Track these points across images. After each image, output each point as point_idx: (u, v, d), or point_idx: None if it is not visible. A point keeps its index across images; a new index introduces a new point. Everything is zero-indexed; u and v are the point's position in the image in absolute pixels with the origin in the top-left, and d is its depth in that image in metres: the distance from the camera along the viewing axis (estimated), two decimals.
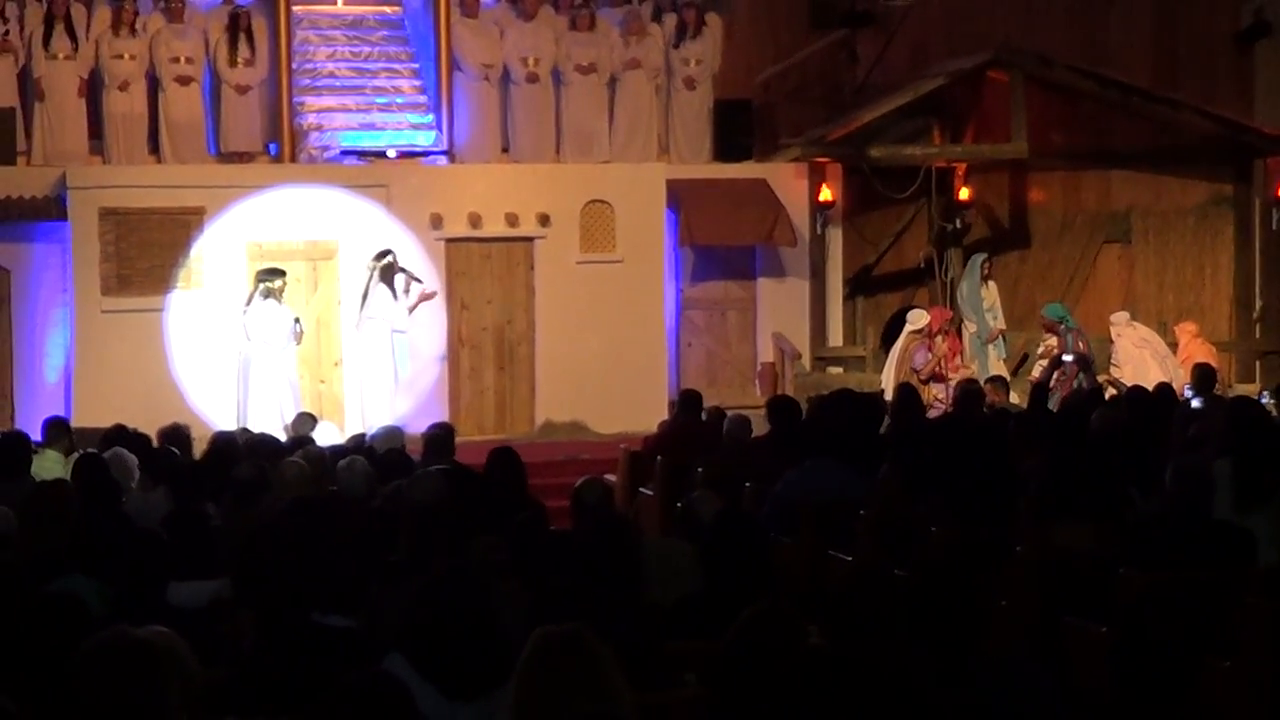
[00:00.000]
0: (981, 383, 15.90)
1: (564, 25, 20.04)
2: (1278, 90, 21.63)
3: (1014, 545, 8.24)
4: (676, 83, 20.37)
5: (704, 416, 14.05)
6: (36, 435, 12.88)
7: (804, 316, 20.16)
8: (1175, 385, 15.70)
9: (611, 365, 18.51)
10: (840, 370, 20.01)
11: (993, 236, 21.57)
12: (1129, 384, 16.25)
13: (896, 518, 9.35)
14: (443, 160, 19.26)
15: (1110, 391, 16.63)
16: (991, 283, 20.14)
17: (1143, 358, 18.46)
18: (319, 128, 19.17)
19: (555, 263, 18.74)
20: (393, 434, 12.73)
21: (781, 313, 20.05)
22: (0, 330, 17.98)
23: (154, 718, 4.71)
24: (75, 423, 14.80)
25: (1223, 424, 10.63)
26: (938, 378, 17.87)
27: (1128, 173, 21.46)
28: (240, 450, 11.56)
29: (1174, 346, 18.98)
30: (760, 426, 12.97)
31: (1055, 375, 17.63)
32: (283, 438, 13.48)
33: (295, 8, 19.47)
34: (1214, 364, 17.13)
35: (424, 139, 19.34)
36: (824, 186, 19.97)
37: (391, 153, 18.92)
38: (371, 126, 19.28)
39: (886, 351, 19.27)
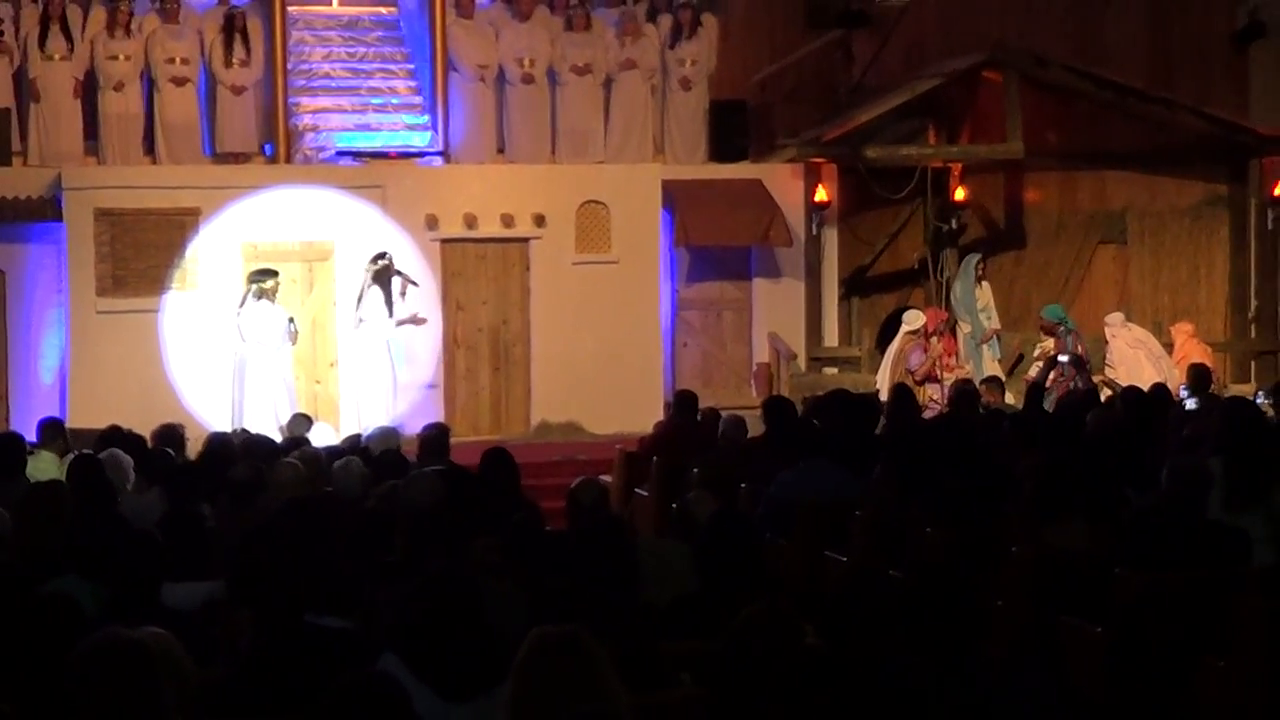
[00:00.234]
0: (977, 383, 15.92)
1: (559, 26, 20.03)
2: (1273, 90, 21.64)
3: (1009, 545, 8.24)
4: (672, 83, 20.38)
5: (699, 417, 14.05)
6: (31, 436, 12.87)
7: (799, 317, 20.16)
8: (1170, 386, 15.70)
9: (607, 366, 18.51)
10: (835, 371, 20.00)
11: (988, 237, 21.58)
12: (1123, 384, 16.26)
13: (892, 518, 9.35)
14: (438, 161, 19.25)
15: (1105, 392, 16.64)
16: (985, 283, 20.13)
17: (1137, 358, 18.46)
18: (314, 128, 19.17)
19: (550, 263, 18.74)
20: (388, 435, 12.72)
21: (777, 313, 20.05)
22: None
23: (149, 718, 4.71)
24: (70, 424, 14.77)
25: (1217, 424, 10.65)
26: (932, 378, 17.88)
27: (1123, 173, 21.47)
28: (235, 451, 11.55)
29: (1169, 347, 18.98)
30: (755, 427, 12.98)
31: (1051, 376, 17.63)
32: (278, 439, 13.46)
33: (290, 8, 19.47)
34: (1209, 364, 17.15)
35: (419, 140, 19.34)
36: (819, 187, 19.97)
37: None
38: (367, 127, 19.28)
39: (882, 352, 19.27)
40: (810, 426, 11.88)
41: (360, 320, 17.56)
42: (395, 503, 8.97)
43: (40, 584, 6.80)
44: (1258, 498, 8.45)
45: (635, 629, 5.94)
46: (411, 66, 19.81)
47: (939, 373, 17.89)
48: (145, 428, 12.76)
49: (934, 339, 18.13)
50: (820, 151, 20.13)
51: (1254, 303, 21.11)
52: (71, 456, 11.31)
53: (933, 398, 17.52)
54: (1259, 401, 15.06)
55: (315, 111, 19.30)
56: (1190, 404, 14.11)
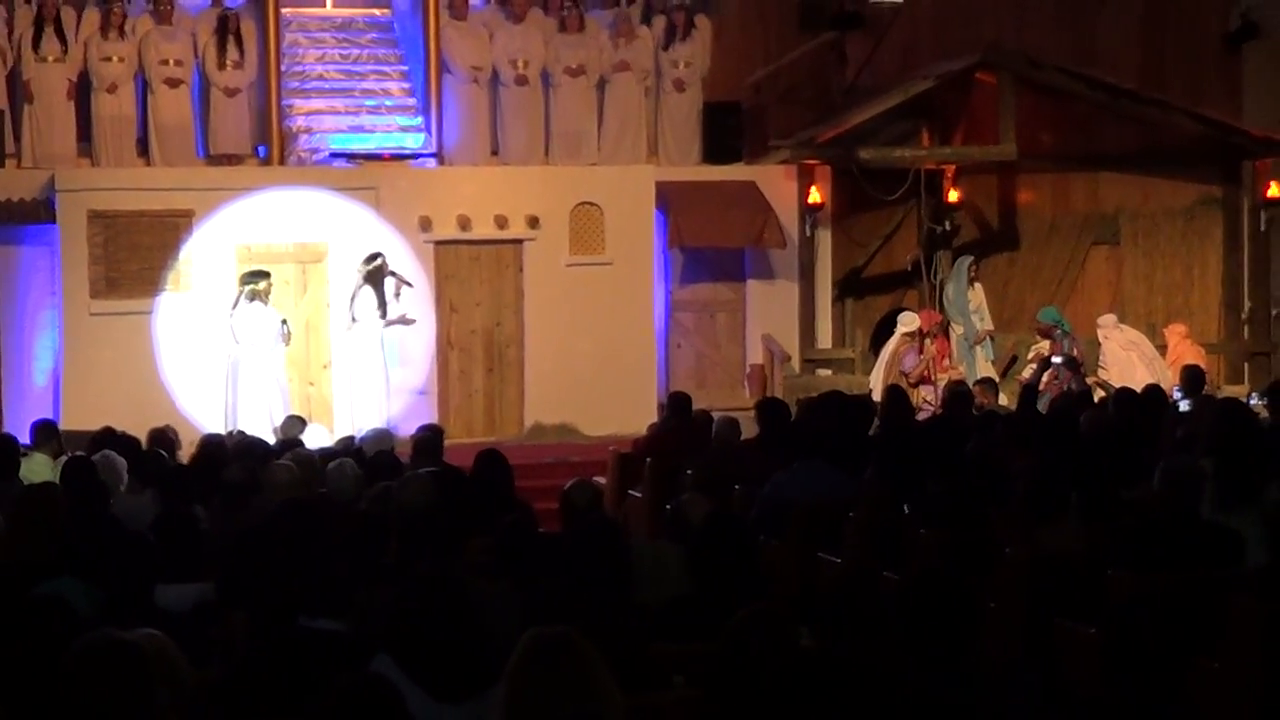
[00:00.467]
0: (970, 385, 15.93)
1: (553, 27, 20.04)
2: (1266, 92, 21.65)
3: (1003, 547, 8.25)
4: (666, 85, 20.39)
5: (693, 418, 14.03)
6: (25, 438, 12.86)
7: (793, 318, 20.18)
8: (1164, 387, 15.71)
9: (601, 367, 18.51)
10: (829, 372, 20.02)
11: (982, 238, 21.58)
12: (1116, 385, 16.27)
13: (885, 520, 9.36)
14: (432, 163, 19.25)
15: (1099, 393, 16.64)
16: (978, 284, 20.15)
17: (1130, 360, 18.48)
18: (308, 130, 19.16)
19: (544, 265, 18.73)
20: (382, 436, 12.71)
21: (771, 315, 20.06)
22: None
23: None
24: (64, 425, 14.78)
25: (1210, 425, 10.67)
26: (926, 380, 17.89)
27: (1116, 174, 21.48)
28: (229, 453, 11.55)
29: (1163, 349, 19.00)
30: (749, 428, 12.98)
31: (1045, 377, 17.63)
32: (271, 440, 13.46)
33: (284, 10, 19.46)
34: (1203, 365, 17.16)
35: (413, 141, 19.33)
36: (813, 188, 19.98)
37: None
38: (360, 129, 19.27)
39: (876, 354, 19.29)
40: (804, 428, 11.88)
41: (353, 320, 17.56)
42: (389, 504, 8.96)
43: (34, 586, 6.79)
44: (1250, 498, 8.44)
45: (629, 631, 5.94)
46: (405, 68, 19.81)
47: (932, 374, 17.90)
48: (139, 429, 12.76)
49: (928, 341, 18.14)
50: (814, 153, 20.15)
51: (1247, 304, 21.12)
52: (65, 458, 11.29)
53: (926, 399, 17.52)
54: (1253, 403, 15.09)
55: (309, 113, 19.30)
56: (1184, 405, 14.11)
